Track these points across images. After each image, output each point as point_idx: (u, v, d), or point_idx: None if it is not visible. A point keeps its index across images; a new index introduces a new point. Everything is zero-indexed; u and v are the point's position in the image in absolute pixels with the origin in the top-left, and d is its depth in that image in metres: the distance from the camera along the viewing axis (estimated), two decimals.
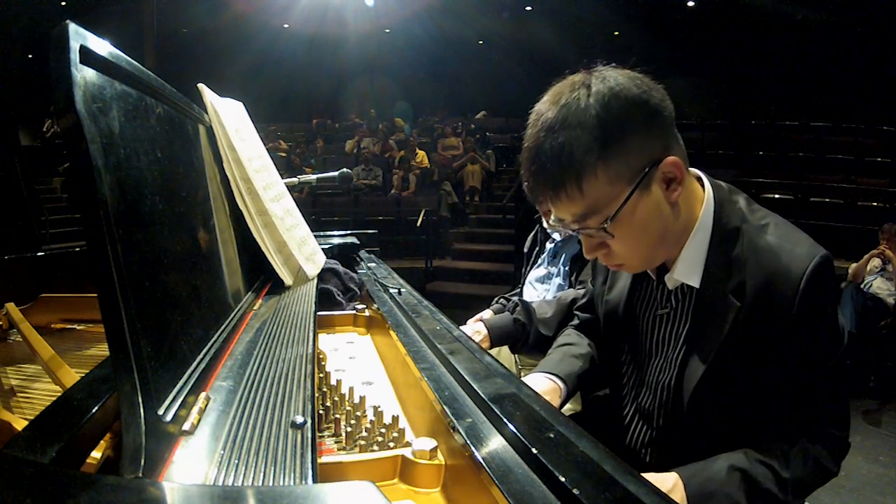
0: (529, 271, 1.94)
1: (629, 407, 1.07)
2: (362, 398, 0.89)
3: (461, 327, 1.04)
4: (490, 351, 1.04)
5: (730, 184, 0.97)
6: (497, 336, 1.47)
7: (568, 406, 1.49)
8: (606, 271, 1.14)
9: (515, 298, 1.82)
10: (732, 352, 0.87)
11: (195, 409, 0.57)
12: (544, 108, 0.85)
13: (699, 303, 0.91)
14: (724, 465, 0.83)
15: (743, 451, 0.85)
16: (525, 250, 2.02)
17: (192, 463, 0.50)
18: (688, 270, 0.91)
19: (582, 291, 1.41)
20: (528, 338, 1.50)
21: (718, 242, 0.89)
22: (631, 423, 1.06)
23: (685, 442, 0.94)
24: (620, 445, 1.06)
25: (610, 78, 0.82)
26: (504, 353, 1.72)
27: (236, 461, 0.50)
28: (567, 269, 1.80)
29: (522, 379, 1.11)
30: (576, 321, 1.31)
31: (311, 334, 0.92)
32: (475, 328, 1.47)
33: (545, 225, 1.86)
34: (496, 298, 1.93)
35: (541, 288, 1.87)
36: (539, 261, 1.92)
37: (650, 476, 0.81)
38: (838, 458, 0.89)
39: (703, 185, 0.95)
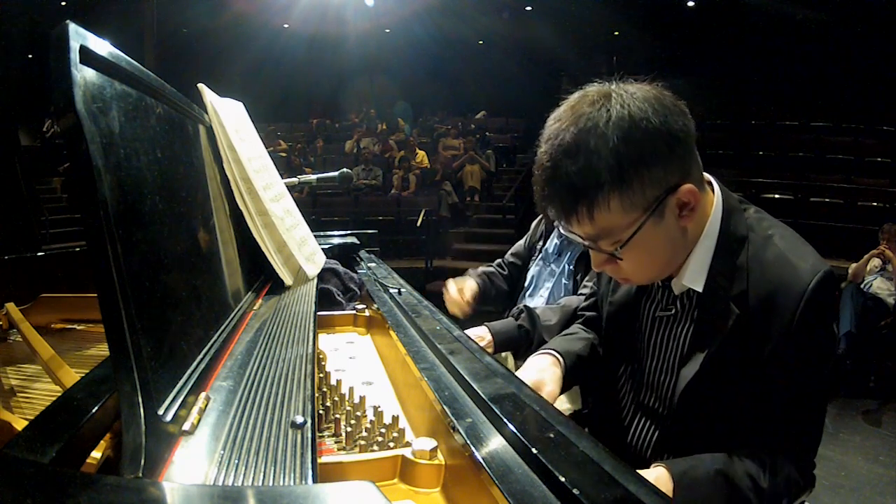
0: (530, 265, 1.93)
1: (630, 407, 1.08)
2: (362, 398, 0.89)
3: (465, 331, 1.04)
4: None
5: (732, 181, 0.98)
6: (501, 341, 1.46)
7: (567, 406, 1.49)
8: None
9: (522, 304, 1.81)
10: (728, 356, 0.88)
11: (195, 409, 0.57)
12: (562, 126, 0.83)
13: (702, 307, 0.93)
14: (711, 468, 0.84)
15: (728, 454, 0.86)
16: (527, 241, 2.00)
17: (192, 463, 0.50)
18: (693, 276, 0.92)
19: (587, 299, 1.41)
20: (532, 344, 1.49)
21: (724, 249, 0.90)
22: (632, 422, 1.07)
23: (683, 442, 0.95)
24: (622, 443, 1.06)
25: (631, 102, 0.80)
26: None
27: (236, 461, 0.50)
28: (572, 267, 1.79)
29: (523, 364, 1.11)
30: (579, 319, 1.31)
31: (311, 334, 0.92)
32: (479, 333, 1.46)
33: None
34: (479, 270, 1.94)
35: (542, 286, 1.86)
36: (542, 253, 1.90)
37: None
38: (806, 478, 0.90)
39: (712, 189, 0.94)
